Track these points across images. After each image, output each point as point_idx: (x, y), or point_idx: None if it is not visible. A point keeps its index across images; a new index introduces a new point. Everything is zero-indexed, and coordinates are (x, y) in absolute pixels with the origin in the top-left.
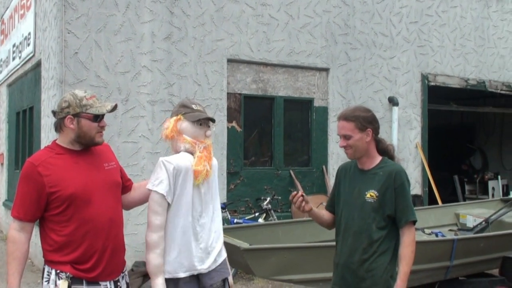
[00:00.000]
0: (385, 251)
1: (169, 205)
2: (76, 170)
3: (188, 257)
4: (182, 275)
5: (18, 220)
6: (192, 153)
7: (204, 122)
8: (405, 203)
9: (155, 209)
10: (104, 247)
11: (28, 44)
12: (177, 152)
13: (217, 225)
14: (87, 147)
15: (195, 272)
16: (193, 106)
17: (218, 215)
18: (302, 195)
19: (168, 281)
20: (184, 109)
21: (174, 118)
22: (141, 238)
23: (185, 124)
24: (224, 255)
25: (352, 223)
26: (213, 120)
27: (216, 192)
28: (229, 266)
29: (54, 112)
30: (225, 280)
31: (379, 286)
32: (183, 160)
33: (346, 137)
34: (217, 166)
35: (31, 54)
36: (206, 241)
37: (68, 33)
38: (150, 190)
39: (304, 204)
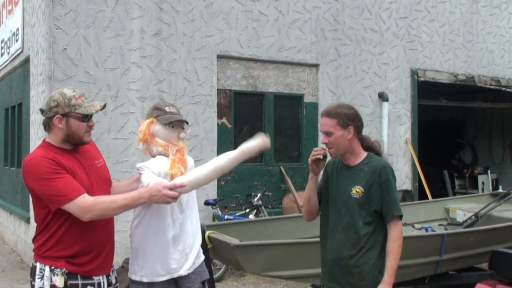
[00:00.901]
0: (372, 246)
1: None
2: (79, 168)
3: (166, 260)
4: (161, 278)
5: (79, 197)
6: (166, 156)
7: (177, 124)
8: (390, 198)
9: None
10: (102, 243)
11: (17, 40)
12: (152, 155)
13: (195, 227)
14: (75, 146)
15: (175, 275)
16: (166, 108)
17: (196, 216)
18: (325, 153)
19: (145, 284)
20: (156, 112)
21: (147, 121)
22: None
23: (157, 127)
24: (202, 256)
25: (340, 219)
26: (186, 122)
27: (193, 193)
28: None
29: (42, 111)
30: (204, 282)
31: (367, 281)
32: (160, 164)
33: (327, 134)
34: (193, 166)
35: (20, 50)
36: (184, 243)
37: (57, 29)
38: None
39: (316, 165)
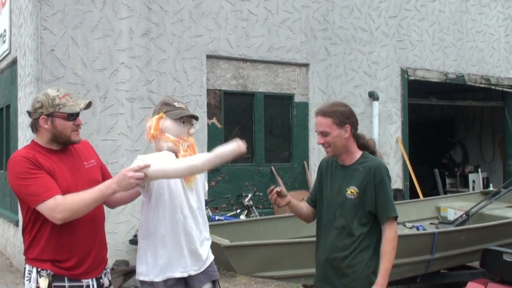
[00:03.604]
0: (366, 247)
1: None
2: (60, 170)
3: (178, 258)
4: (171, 275)
5: (50, 199)
6: (175, 152)
7: (187, 119)
8: (385, 199)
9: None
10: (87, 246)
11: (4, 41)
12: (160, 151)
13: (205, 225)
14: (64, 146)
15: (185, 274)
16: (175, 103)
17: (204, 214)
18: (277, 190)
19: (156, 284)
20: (166, 107)
21: (156, 116)
22: (121, 237)
23: (167, 123)
24: (212, 256)
25: (334, 220)
26: (196, 118)
27: (202, 192)
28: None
29: (29, 113)
30: (215, 282)
31: (361, 281)
32: (163, 158)
33: (324, 134)
34: None
35: (7, 51)
36: (195, 242)
37: (44, 29)
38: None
39: (279, 200)
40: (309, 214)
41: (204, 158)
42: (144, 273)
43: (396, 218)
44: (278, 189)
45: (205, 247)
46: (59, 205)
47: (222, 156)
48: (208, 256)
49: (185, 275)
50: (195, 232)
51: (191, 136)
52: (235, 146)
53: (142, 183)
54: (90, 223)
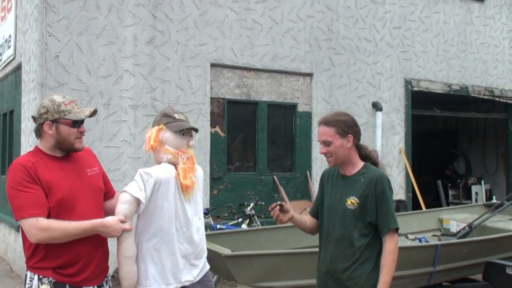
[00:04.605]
0: (367, 259)
1: (140, 209)
2: (62, 176)
3: (172, 269)
4: (166, 286)
5: (32, 218)
6: (174, 164)
7: (187, 131)
8: (386, 210)
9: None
10: (91, 253)
11: (9, 47)
12: (159, 163)
13: (202, 236)
14: (67, 153)
15: (179, 285)
16: (176, 115)
17: (202, 225)
18: (280, 206)
19: None
20: (166, 119)
21: (156, 128)
22: None
23: (167, 134)
24: (207, 266)
25: (334, 230)
26: (196, 130)
27: (200, 202)
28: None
29: (34, 118)
30: None
31: None
32: (164, 171)
33: (326, 144)
34: (202, 175)
35: (12, 57)
36: (191, 252)
37: (49, 35)
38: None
39: (282, 216)
40: (313, 226)
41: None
42: (142, 284)
43: (397, 230)
44: (280, 203)
45: (201, 258)
46: (39, 227)
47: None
48: (203, 266)
49: (179, 286)
50: (191, 243)
51: (190, 148)
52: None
53: (118, 234)
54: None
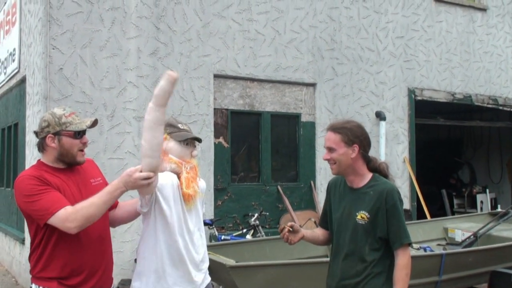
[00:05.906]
0: (379, 273)
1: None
2: (68, 187)
3: (174, 280)
4: None
5: (61, 210)
6: (178, 174)
7: (190, 141)
8: (398, 224)
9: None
10: (94, 265)
11: (13, 60)
12: (162, 172)
13: (203, 247)
14: (70, 166)
15: None
16: (179, 125)
17: (203, 236)
18: (289, 229)
19: None
20: (170, 129)
21: None
22: (127, 256)
23: (171, 144)
24: (208, 278)
25: (344, 245)
26: (199, 140)
27: (201, 213)
28: None
29: (36, 133)
30: None
31: None
32: (166, 178)
33: (330, 150)
34: (205, 187)
35: (16, 70)
36: (192, 264)
37: (53, 48)
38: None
39: (291, 238)
40: (326, 238)
41: (150, 108)
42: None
43: (409, 244)
44: (289, 225)
45: (202, 269)
46: (70, 214)
47: (161, 93)
48: (205, 278)
49: None
50: (192, 254)
51: (193, 158)
52: (167, 76)
53: (148, 181)
54: (98, 241)
